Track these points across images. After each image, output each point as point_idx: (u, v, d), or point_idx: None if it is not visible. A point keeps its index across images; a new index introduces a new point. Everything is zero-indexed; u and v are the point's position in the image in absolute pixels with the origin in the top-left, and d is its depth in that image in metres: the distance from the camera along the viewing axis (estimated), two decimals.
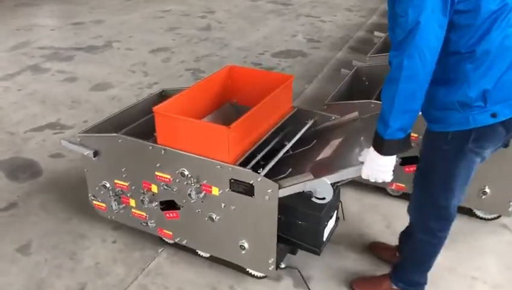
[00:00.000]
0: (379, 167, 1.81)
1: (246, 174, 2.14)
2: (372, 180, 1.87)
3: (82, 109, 4.42)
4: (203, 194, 2.28)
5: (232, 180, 2.19)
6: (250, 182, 2.14)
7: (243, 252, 2.32)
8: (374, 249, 2.65)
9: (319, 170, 2.10)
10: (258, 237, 2.26)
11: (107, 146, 2.49)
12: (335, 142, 2.35)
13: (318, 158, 2.26)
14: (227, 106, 2.84)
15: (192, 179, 2.28)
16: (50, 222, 2.95)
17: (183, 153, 2.26)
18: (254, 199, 2.17)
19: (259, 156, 2.33)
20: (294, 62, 5.50)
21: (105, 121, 2.67)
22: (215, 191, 2.26)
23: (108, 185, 2.57)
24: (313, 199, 2.04)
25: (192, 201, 2.31)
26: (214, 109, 2.75)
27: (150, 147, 2.34)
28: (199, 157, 2.23)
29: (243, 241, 2.30)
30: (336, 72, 4.93)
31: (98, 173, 2.59)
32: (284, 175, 2.18)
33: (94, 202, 2.69)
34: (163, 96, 3.01)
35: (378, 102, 2.73)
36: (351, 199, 3.07)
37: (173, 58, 5.61)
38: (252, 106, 2.39)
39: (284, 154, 2.37)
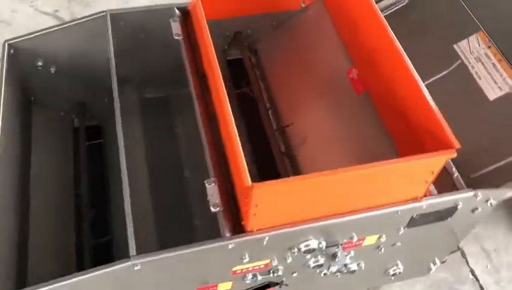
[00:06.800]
0: None
1: (453, 199, 1.13)
2: None
3: None
4: (344, 257, 1.20)
5: (417, 216, 1.15)
6: (456, 205, 1.15)
7: (392, 278, 1.44)
8: None
9: None
10: (425, 253, 1.39)
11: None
12: None
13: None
14: None
15: (323, 249, 1.14)
16: None
17: (324, 223, 1.05)
18: (447, 221, 1.22)
19: None
20: None
21: None
22: (371, 240, 1.20)
23: None
24: None
25: (319, 272, 1.22)
26: None
27: (231, 246, 1.01)
28: (359, 216, 1.07)
29: (394, 268, 1.40)
30: None
31: None
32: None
33: None
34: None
35: None
36: None
37: None
38: None
39: None
